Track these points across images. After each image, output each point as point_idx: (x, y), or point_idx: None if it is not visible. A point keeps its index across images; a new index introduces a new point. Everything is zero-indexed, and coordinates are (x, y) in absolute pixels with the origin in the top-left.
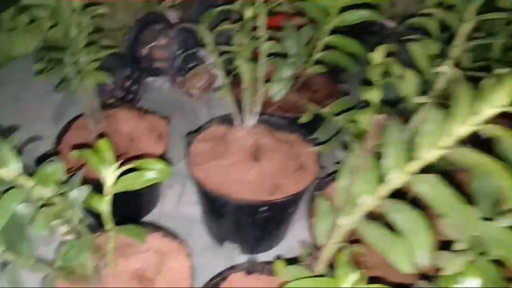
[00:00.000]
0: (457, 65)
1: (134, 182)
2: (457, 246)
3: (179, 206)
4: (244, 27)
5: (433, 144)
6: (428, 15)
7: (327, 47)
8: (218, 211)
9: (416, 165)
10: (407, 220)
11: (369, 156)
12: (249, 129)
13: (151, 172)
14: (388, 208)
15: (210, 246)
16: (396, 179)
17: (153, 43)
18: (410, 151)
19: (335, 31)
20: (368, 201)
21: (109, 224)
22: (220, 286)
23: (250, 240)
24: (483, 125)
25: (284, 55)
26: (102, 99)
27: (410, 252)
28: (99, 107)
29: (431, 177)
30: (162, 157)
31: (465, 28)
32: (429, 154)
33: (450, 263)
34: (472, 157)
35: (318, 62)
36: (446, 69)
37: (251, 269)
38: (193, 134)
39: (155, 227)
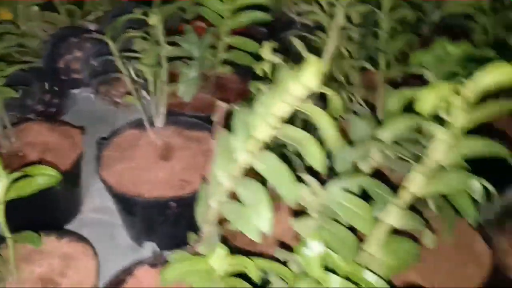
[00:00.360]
0: (341, 55)
1: (25, 189)
2: (311, 213)
3: (100, 212)
4: (149, 34)
5: (264, 124)
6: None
7: (231, 47)
8: (132, 212)
9: (255, 144)
10: (252, 194)
11: (221, 139)
12: (159, 131)
13: (42, 178)
14: (238, 185)
15: (131, 248)
16: (243, 158)
17: (70, 56)
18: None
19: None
20: (225, 180)
21: (6, 232)
22: (125, 281)
23: (168, 237)
24: (301, 103)
25: (189, 58)
26: (22, 114)
27: (255, 221)
28: (9, 122)
29: (267, 154)
30: (75, 166)
31: (336, 22)
32: (263, 134)
33: (303, 230)
34: (293, 132)
35: (225, 62)
36: (272, 58)
37: (156, 262)
38: (105, 140)
39: (64, 233)
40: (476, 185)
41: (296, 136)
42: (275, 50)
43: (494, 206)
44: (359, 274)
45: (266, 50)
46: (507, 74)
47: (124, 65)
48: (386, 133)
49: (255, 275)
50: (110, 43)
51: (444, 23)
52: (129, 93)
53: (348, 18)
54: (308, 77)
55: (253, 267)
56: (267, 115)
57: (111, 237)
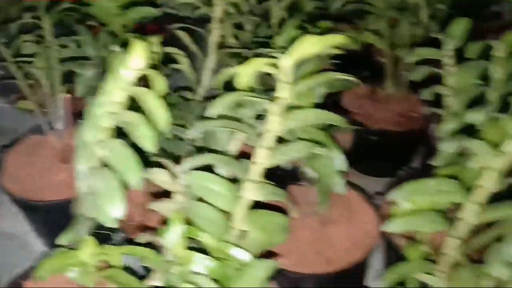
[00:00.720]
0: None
1: None
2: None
3: (11, 222)
4: (43, 37)
5: (105, 112)
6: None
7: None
8: (38, 218)
9: (102, 133)
10: (103, 183)
11: (73, 132)
12: (60, 134)
13: None
14: (92, 175)
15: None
16: (95, 148)
17: None
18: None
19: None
20: (84, 172)
21: None
22: (21, 285)
23: None
24: (131, 87)
25: (86, 58)
26: None
27: (108, 209)
28: None
29: (113, 142)
30: None
31: (216, 13)
32: (105, 122)
33: (167, 213)
34: (127, 116)
35: None
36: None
37: None
38: (7, 147)
39: None
40: (337, 155)
41: (129, 120)
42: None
43: (387, 180)
44: (227, 251)
45: (154, 43)
46: (315, 45)
47: (20, 70)
48: (212, 110)
49: (117, 263)
50: (2, 49)
51: (345, 10)
52: (25, 98)
53: (238, 8)
54: (134, 60)
55: (116, 255)
56: (107, 103)
57: (22, 245)
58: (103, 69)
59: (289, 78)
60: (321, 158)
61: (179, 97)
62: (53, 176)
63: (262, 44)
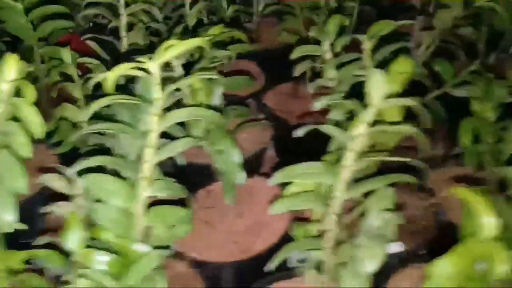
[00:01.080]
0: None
1: None
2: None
3: None
4: None
5: None
6: None
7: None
8: None
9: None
10: None
11: None
12: None
13: None
14: None
15: None
16: None
17: None
18: None
19: None
20: None
21: None
22: None
23: None
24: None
25: None
26: None
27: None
28: None
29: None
30: None
31: (122, 21)
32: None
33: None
34: (5, 126)
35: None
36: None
37: None
38: None
39: None
40: (232, 150)
41: (7, 129)
42: None
43: None
44: (129, 247)
45: (66, 54)
46: (176, 49)
47: None
48: (85, 116)
49: (18, 265)
50: None
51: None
52: None
53: (150, 16)
54: (8, 72)
55: (16, 259)
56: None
57: None
58: None
59: (157, 80)
60: (222, 154)
61: None
62: None
63: None
